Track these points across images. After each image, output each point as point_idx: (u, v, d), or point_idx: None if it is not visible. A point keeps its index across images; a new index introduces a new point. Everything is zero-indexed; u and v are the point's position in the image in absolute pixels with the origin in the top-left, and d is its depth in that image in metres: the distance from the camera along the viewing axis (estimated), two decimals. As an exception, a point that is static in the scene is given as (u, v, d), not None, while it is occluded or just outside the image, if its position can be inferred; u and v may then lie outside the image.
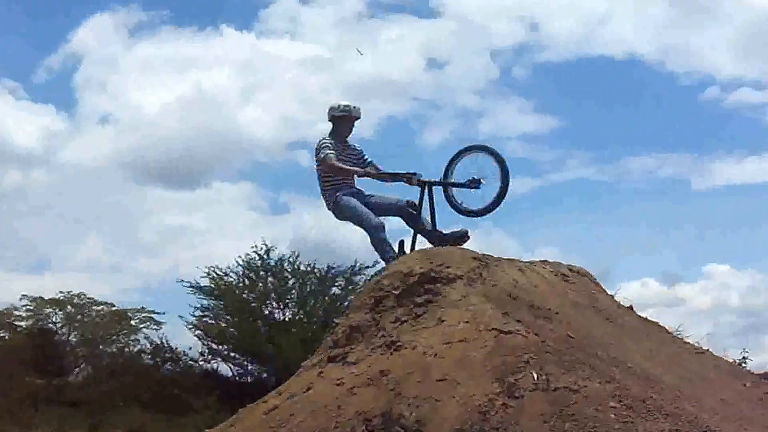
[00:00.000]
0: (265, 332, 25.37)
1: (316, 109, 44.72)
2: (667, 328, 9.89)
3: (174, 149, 44.85)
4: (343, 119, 9.95)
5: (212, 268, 25.94)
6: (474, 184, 9.42)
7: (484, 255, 8.80)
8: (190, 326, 26.29)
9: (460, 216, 9.72)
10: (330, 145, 9.77)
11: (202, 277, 26.00)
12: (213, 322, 26.55)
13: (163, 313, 28.28)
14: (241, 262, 26.11)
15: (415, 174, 9.53)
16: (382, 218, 9.61)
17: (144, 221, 46.86)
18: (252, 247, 26.02)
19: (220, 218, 45.70)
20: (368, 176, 9.84)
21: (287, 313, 26.11)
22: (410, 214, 9.63)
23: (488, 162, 9.36)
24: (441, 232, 9.58)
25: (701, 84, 50.30)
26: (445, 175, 9.65)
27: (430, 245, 9.47)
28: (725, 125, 47.54)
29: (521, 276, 8.74)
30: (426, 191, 9.55)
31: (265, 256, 26.14)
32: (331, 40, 50.58)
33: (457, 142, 43.61)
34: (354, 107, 9.92)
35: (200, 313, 26.49)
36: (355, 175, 9.85)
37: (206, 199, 46.88)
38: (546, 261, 9.52)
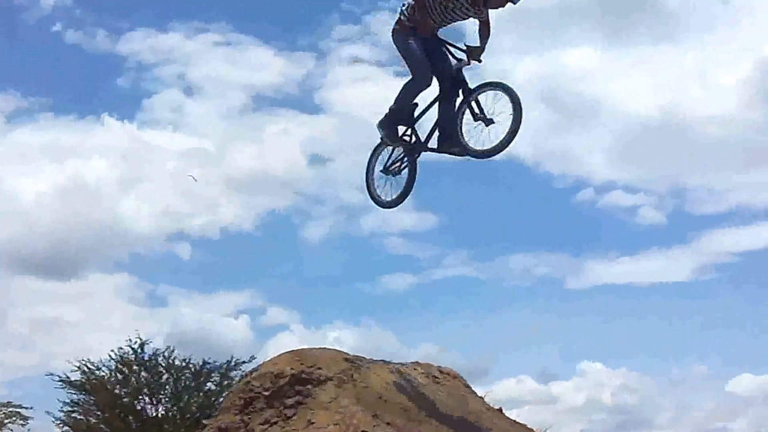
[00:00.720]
0: (136, 428, 24.57)
1: (197, 201, 44.39)
2: (535, 429, 10.08)
3: (49, 239, 43.42)
4: None
5: (83, 362, 25.15)
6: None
7: (356, 356, 8.85)
8: (58, 422, 25.29)
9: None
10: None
11: (72, 371, 25.14)
12: (82, 417, 25.58)
13: (31, 408, 27.16)
14: (113, 356, 25.38)
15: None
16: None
17: (14, 312, 44.99)
18: (126, 340, 25.41)
19: (95, 310, 44.18)
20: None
21: (160, 409, 25.36)
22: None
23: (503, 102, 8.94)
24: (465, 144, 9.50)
25: (576, 186, 52.40)
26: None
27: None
28: (599, 226, 49.45)
29: (393, 378, 8.80)
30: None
31: (138, 350, 25.50)
32: (215, 132, 50.48)
33: (339, 237, 43.83)
34: None
35: (69, 409, 25.52)
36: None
37: (81, 290, 45.33)
38: (418, 363, 9.62)
